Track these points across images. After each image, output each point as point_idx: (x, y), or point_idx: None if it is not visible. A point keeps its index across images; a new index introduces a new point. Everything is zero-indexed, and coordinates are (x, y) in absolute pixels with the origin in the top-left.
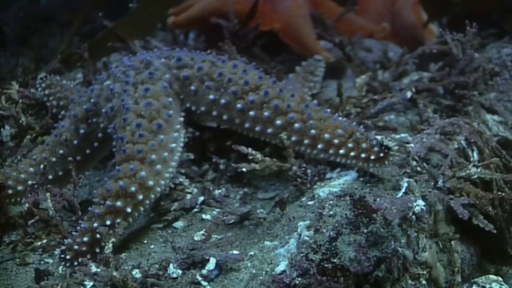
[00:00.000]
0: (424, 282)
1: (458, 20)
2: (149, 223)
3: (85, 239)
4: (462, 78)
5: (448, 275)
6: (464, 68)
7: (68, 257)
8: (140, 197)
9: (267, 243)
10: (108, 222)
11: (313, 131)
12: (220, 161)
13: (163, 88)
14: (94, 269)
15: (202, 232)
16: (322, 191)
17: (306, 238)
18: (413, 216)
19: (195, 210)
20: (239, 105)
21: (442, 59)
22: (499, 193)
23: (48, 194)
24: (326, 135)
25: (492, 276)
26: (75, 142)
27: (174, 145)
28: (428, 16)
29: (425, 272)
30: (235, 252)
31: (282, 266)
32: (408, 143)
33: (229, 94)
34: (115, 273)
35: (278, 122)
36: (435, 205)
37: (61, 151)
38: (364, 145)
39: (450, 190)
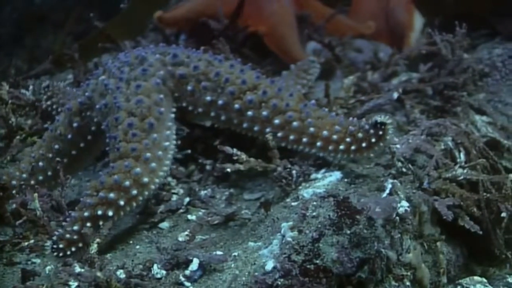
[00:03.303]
0: (408, 283)
1: (451, 21)
2: (135, 224)
3: (75, 227)
4: (451, 79)
5: (433, 276)
6: (453, 69)
7: (61, 246)
8: (134, 192)
9: (251, 244)
10: (99, 212)
11: (311, 129)
12: (206, 162)
13: (155, 84)
14: (78, 269)
15: (186, 232)
16: (307, 192)
17: (289, 239)
18: (397, 217)
19: (181, 210)
20: (237, 106)
21: (432, 60)
22: (485, 194)
23: (35, 194)
24: (325, 132)
25: (476, 278)
26: (69, 136)
27: (167, 143)
28: (423, 16)
29: (409, 273)
30: (219, 252)
31: (264, 267)
32: (394, 144)
33: (227, 94)
34: (99, 274)
35: (277, 121)
36: (419, 206)
37: (56, 146)
38: (360, 135)
39: (436, 191)
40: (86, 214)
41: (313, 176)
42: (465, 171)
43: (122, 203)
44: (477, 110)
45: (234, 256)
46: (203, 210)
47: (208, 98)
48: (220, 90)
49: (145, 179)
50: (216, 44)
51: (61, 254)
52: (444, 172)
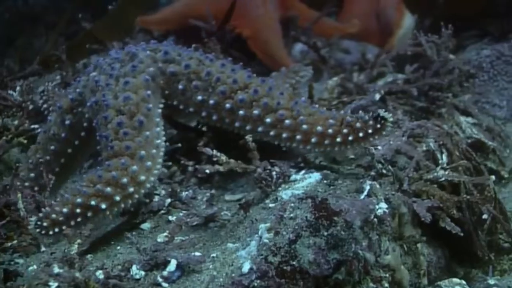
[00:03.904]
0: (386, 285)
1: (441, 22)
2: (117, 225)
3: (65, 210)
4: (436, 80)
5: (413, 278)
6: (438, 70)
7: (45, 224)
8: (131, 189)
9: (230, 245)
10: (92, 203)
11: (305, 126)
12: (188, 163)
13: (144, 81)
14: (56, 270)
15: (165, 233)
16: (285, 193)
17: (265, 240)
18: (375, 219)
19: (162, 211)
20: (228, 105)
21: (418, 61)
22: (464, 196)
23: (19, 195)
24: (319, 128)
25: (455, 280)
26: (63, 135)
27: (159, 141)
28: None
29: (387, 275)
30: (198, 254)
31: (241, 268)
32: (375, 145)
33: (218, 94)
34: (77, 274)
35: (268, 120)
36: (399, 208)
37: (52, 147)
38: (358, 124)
39: (416, 193)
40: (78, 200)
41: (292, 177)
42: (446, 172)
43: (117, 198)
44: (462, 111)
45: (213, 257)
46: (184, 211)
47: (199, 97)
48: (211, 90)
49: (142, 177)
50: (207, 43)
51: (43, 232)
52: (426, 173)
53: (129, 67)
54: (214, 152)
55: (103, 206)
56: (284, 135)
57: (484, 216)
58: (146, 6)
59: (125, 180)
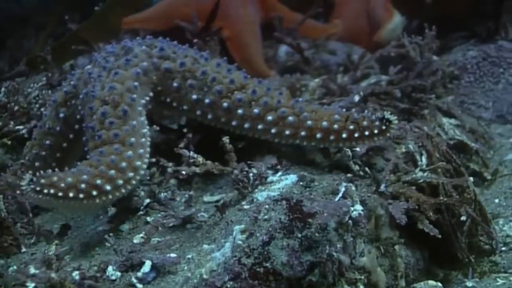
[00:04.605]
0: (361, 287)
1: (429, 23)
2: (95, 226)
3: (69, 179)
4: (419, 81)
5: (390, 280)
6: (421, 71)
7: (42, 181)
8: (131, 174)
9: (205, 246)
10: (98, 182)
11: (309, 122)
12: (167, 164)
13: (134, 73)
14: (32, 270)
15: (141, 235)
16: (261, 195)
17: (239, 242)
18: (350, 221)
19: (141, 212)
20: (225, 104)
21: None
22: (441, 198)
23: (0, 196)
24: (324, 123)
25: (431, 282)
26: (57, 128)
27: (145, 130)
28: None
29: (363, 277)
30: (173, 255)
31: (215, 270)
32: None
33: (214, 93)
34: (53, 275)
35: (269, 118)
36: (375, 210)
37: (47, 142)
38: (365, 123)
39: (393, 195)
40: (84, 177)
41: (269, 179)
42: (425, 174)
43: (120, 182)
44: (445, 113)
45: (188, 258)
46: (162, 212)
47: (194, 96)
48: (207, 89)
49: (137, 163)
50: (208, 41)
51: (36, 189)
52: (404, 175)
53: (122, 60)
54: (191, 153)
55: (108, 187)
56: (287, 132)
57: (463, 218)
58: (132, 7)
59: (124, 164)
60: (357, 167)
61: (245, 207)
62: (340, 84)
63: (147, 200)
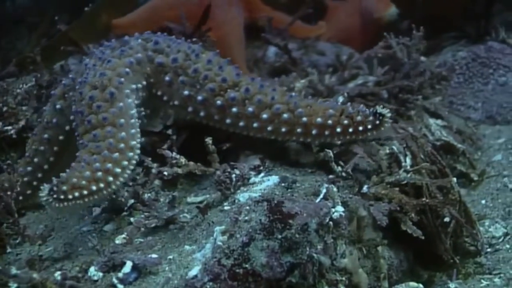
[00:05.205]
0: None
1: (420, 23)
2: (80, 226)
3: (87, 173)
4: (406, 82)
5: (372, 281)
6: (408, 72)
7: (64, 188)
8: (130, 154)
9: (187, 247)
10: (108, 166)
11: (304, 119)
12: (151, 165)
13: (128, 62)
14: (14, 271)
15: (123, 235)
16: (243, 196)
17: (219, 243)
18: (330, 222)
19: (125, 213)
20: (219, 102)
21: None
22: (424, 199)
23: None
24: (319, 119)
25: (412, 283)
26: (54, 120)
27: (133, 111)
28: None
29: (344, 278)
30: (154, 255)
31: (194, 271)
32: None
33: (206, 91)
34: (35, 275)
35: (265, 116)
36: (357, 211)
37: (45, 135)
38: (359, 117)
39: (376, 196)
40: (97, 164)
41: (252, 180)
42: (409, 175)
43: (125, 163)
44: (432, 114)
45: (170, 259)
46: (145, 213)
47: (186, 92)
48: (199, 86)
49: (133, 142)
50: (205, 42)
51: (61, 197)
52: (387, 176)
53: (118, 51)
54: (174, 154)
55: (118, 170)
56: (283, 129)
57: (446, 219)
58: (122, 8)
59: (122, 145)
60: (339, 168)
61: (226, 208)
62: (327, 85)
63: (131, 201)
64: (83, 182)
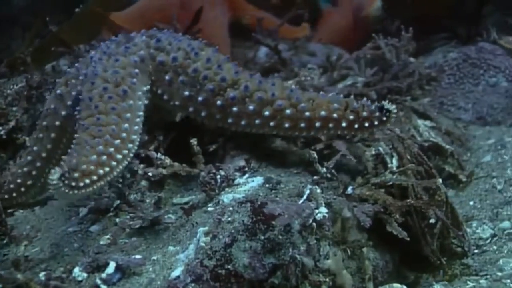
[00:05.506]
0: None
1: (410, 23)
2: (66, 227)
3: (94, 157)
4: (394, 83)
5: (357, 283)
6: (397, 73)
7: (75, 175)
8: (130, 145)
9: (171, 248)
10: (111, 150)
11: (307, 113)
12: (137, 166)
13: (133, 61)
14: None
15: (108, 236)
16: (227, 197)
17: (202, 244)
18: (314, 223)
19: (111, 214)
20: (219, 102)
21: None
22: (408, 200)
23: None
24: (323, 112)
25: (395, 285)
26: (52, 106)
27: (140, 112)
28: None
29: (327, 280)
30: (138, 256)
31: (177, 272)
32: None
33: (206, 91)
34: (19, 276)
35: (266, 113)
36: (341, 212)
37: (44, 123)
38: (364, 113)
39: (361, 197)
40: (100, 147)
41: (236, 181)
42: (394, 176)
43: (125, 152)
44: (421, 115)
45: (153, 260)
46: (131, 214)
47: (186, 92)
48: (199, 87)
49: (134, 136)
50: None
51: (73, 184)
52: (373, 177)
53: (122, 47)
54: (159, 155)
55: (119, 156)
56: (286, 125)
57: (432, 221)
58: (113, 9)
59: (124, 134)
60: (324, 170)
61: (210, 209)
62: (316, 86)
63: (117, 202)
64: (92, 167)
